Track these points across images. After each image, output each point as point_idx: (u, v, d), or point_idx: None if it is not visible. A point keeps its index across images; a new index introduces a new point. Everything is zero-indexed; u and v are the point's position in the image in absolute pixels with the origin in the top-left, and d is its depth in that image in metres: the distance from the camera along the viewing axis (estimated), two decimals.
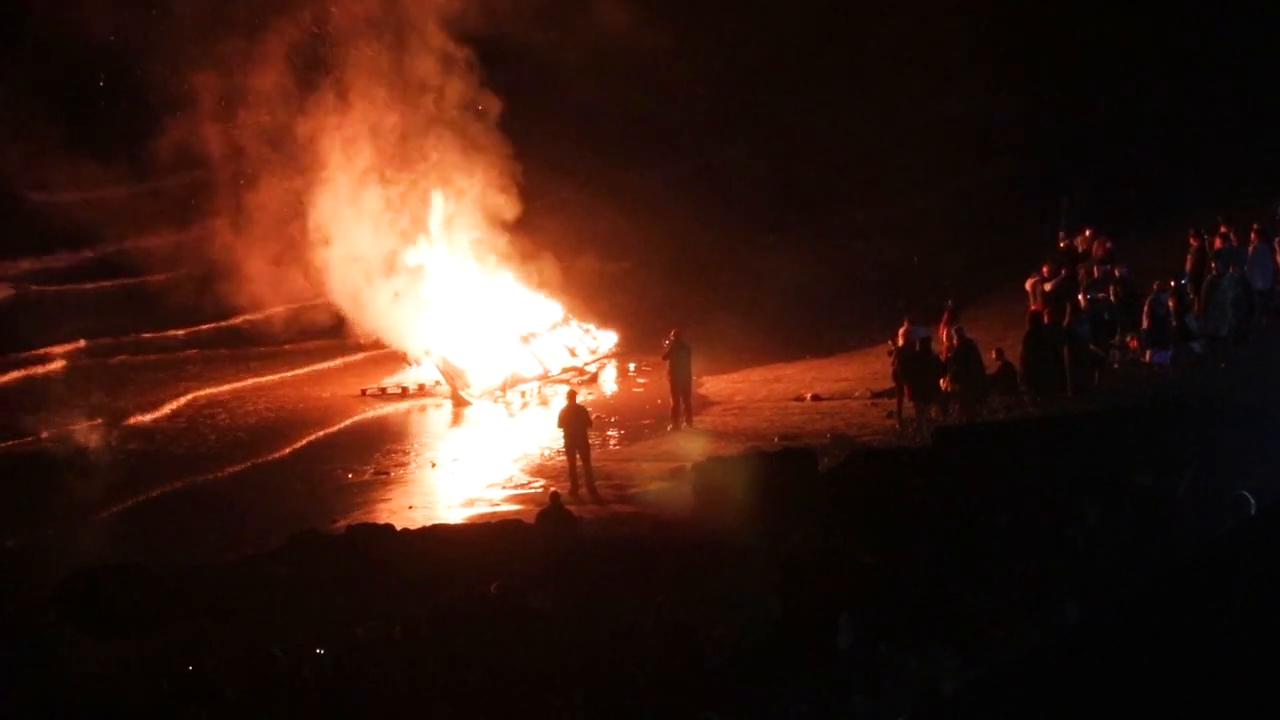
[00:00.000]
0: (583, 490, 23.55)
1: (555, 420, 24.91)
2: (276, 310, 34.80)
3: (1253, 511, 15.57)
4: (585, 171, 37.73)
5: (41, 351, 33.26)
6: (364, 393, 32.01)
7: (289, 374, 33.33)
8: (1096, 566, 15.81)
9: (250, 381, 32.71)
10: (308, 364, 33.92)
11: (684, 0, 40.86)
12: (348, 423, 29.67)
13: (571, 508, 21.48)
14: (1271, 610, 9.28)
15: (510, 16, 32.82)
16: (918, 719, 11.24)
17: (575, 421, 24.11)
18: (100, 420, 29.35)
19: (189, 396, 31.36)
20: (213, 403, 31.23)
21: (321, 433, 28.92)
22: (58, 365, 33.01)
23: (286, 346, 34.74)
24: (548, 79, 36.98)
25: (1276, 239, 26.68)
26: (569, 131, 38.64)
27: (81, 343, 33.99)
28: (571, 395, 25.26)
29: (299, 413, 30.38)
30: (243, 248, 33.17)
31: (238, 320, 35.14)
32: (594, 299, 35.38)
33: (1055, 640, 10.85)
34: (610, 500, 23.21)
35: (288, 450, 27.76)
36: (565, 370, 32.60)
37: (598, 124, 40.49)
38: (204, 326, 35.15)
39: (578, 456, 23.92)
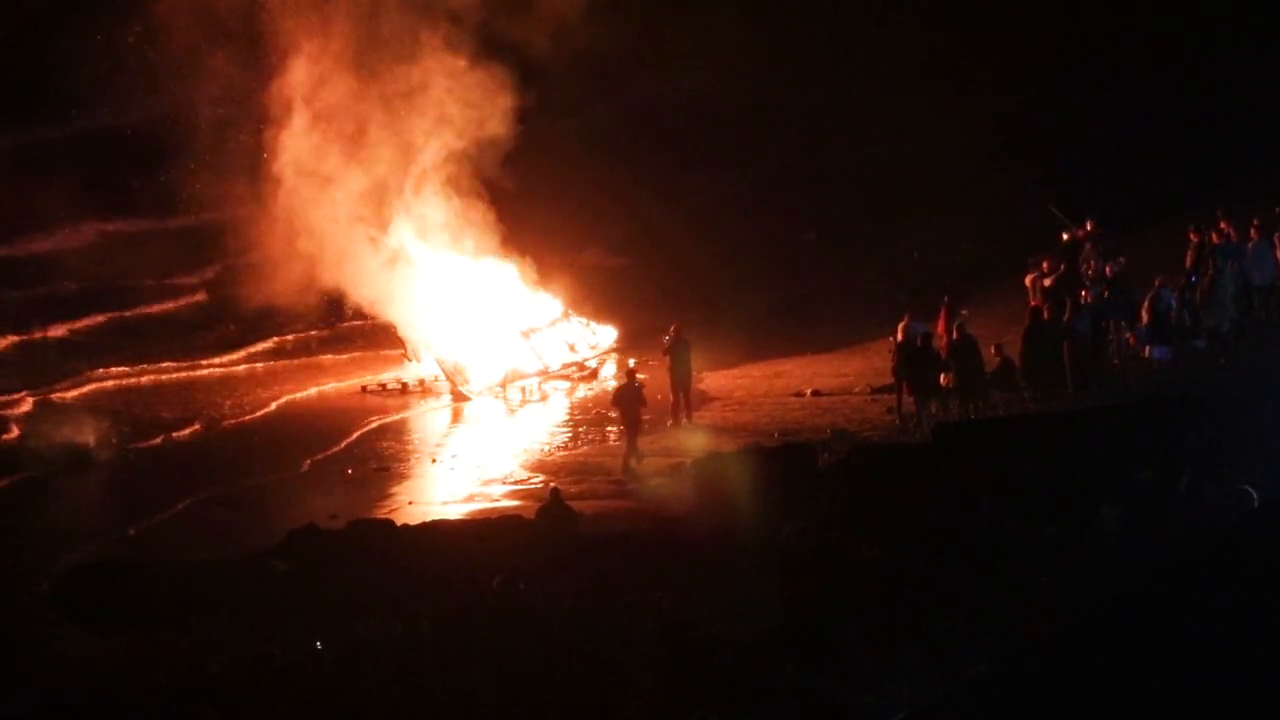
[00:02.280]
0: (630, 463, 23.96)
1: (611, 397, 25.66)
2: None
3: (1255, 505, 15.58)
4: (587, 169, 37.64)
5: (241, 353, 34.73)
6: (364, 389, 31.99)
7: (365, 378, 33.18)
8: (1098, 564, 15.81)
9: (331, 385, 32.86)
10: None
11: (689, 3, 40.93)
12: (376, 423, 29.50)
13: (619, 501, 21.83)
14: (1274, 605, 9.26)
15: (515, 17, 32.64)
16: (917, 719, 11.22)
17: (632, 400, 24.53)
18: (198, 424, 29.49)
19: (279, 400, 31.45)
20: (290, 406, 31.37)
21: (359, 432, 28.81)
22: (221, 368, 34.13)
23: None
24: (549, 78, 36.86)
25: (1276, 234, 26.66)
26: (571, 129, 38.57)
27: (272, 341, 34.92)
28: (630, 374, 25.63)
29: (338, 415, 30.28)
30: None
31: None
32: (594, 294, 35.31)
33: (1056, 637, 10.83)
34: (610, 495, 23.19)
35: (335, 450, 27.66)
36: (565, 366, 32.58)
37: (600, 123, 40.44)
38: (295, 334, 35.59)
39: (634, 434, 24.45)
